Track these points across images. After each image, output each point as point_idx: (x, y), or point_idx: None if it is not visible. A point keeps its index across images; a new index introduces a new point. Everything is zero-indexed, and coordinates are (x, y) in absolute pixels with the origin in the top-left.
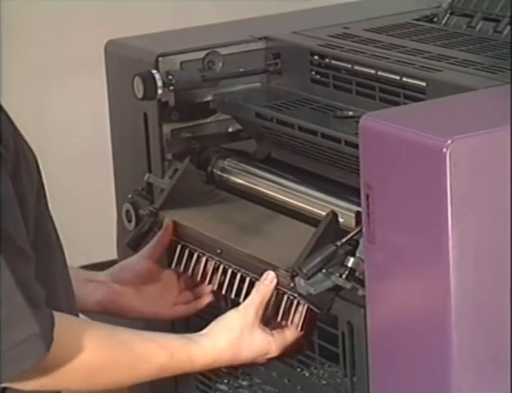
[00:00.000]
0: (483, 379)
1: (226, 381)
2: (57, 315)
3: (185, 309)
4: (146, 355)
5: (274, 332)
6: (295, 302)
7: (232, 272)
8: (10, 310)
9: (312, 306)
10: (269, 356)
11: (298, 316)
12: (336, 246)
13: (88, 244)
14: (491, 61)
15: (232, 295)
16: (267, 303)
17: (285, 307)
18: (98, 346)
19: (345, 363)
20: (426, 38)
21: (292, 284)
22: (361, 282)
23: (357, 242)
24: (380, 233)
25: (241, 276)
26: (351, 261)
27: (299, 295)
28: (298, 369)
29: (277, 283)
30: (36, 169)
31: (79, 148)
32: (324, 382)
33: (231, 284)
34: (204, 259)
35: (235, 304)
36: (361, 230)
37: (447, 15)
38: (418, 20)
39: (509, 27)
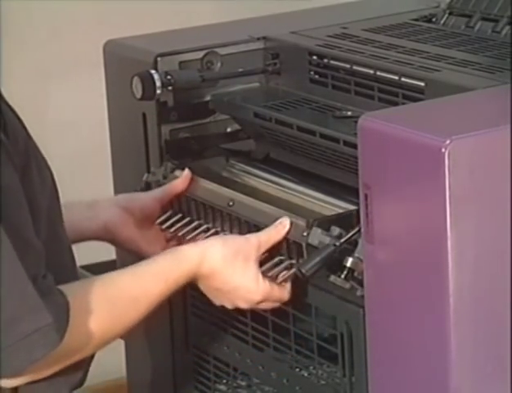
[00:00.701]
0: (482, 379)
1: (224, 381)
2: (65, 292)
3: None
4: (145, 292)
5: (266, 278)
6: (287, 263)
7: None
8: (21, 301)
9: (297, 270)
10: (251, 297)
11: (285, 276)
12: (335, 245)
13: (87, 244)
14: (490, 61)
15: None
16: (274, 248)
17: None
18: (104, 310)
19: (344, 363)
20: (425, 38)
21: (306, 233)
22: (360, 282)
23: (356, 242)
24: (379, 233)
25: None
26: (350, 261)
27: (308, 245)
28: (297, 369)
29: (289, 231)
30: (49, 173)
31: (78, 148)
32: (323, 382)
33: None
34: (194, 224)
35: None
36: (359, 230)
37: (446, 15)
38: (416, 20)
39: (507, 27)
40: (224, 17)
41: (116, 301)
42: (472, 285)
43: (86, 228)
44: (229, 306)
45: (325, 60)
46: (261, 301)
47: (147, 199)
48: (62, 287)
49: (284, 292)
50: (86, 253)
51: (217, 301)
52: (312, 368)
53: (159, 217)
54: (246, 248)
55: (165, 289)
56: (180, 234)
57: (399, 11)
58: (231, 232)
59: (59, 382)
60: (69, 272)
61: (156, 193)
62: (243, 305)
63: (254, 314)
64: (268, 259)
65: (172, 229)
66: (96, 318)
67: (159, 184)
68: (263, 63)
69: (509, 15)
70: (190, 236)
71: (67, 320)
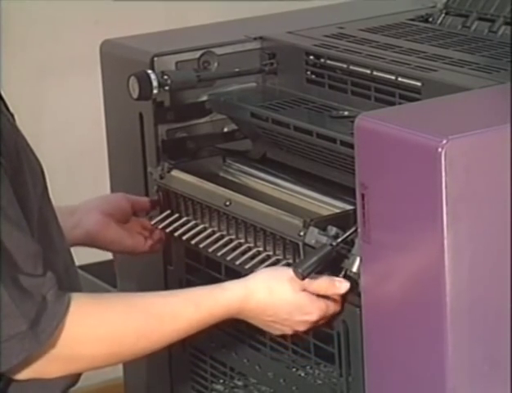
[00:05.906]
0: (478, 379)
1: (221, 381)
2: (75, 296)
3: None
4: (171, 312)
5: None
6: (284, 262)
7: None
8: None
9: (294, 270)
10: (309, 318)
11: None
12: (332, 245)
13: None
14: (486, 61)
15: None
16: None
17: None
18: (116, 319)
19: (341, 362)
20: (421, 38)
21: (302, 233)
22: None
23: (353, 242)
24: (375, 233)
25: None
26: (346, 261)
27: (305, 244)
28: (294, 369)
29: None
30: (40, 172)
31: (75, 148)
32: (319, 382)
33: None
34: (190, 224)
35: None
36: (356, 230)
37: (442, 15)
38: (413, 20)
39: (504, 27)
40: (221, 17)
41: (133, 313)
42: (468, 284)
43: (69, 235)
44: (289, 332)
45: (322, 60)
46: (318, 320)
47: (121, 198)
48: (75, 294)
49: (337, 305)
50: (85, 253)
51: (277, 332)
52: (308, 367)
53: (155, 217)
54: (290, 273)
55: (196, 315)
56: (176, 234)
57: (396, 10)
58: (228, 232)
59: (51, 382)
60: (61, 272)
61: (129, 195)
62: (302, 328)
63: None
64: (266, 260)
65: (169, 229)
66: (106, 324)
67: (156, 184)
68: (260, 63)
69: (506, 15)
70: (186, 236)
71: (54, 326)
